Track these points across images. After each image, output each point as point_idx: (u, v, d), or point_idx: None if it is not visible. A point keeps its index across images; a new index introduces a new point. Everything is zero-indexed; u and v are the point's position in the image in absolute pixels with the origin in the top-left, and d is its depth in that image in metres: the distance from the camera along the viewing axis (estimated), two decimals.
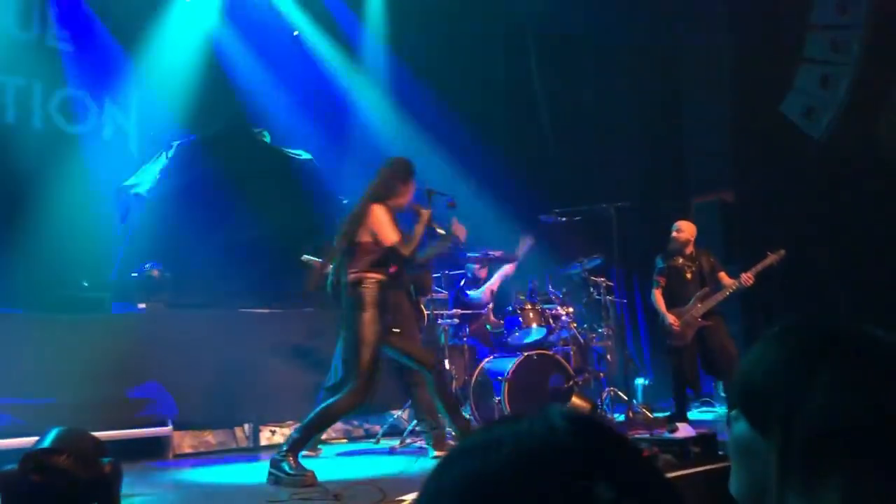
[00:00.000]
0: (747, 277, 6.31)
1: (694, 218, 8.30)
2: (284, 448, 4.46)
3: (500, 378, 6.16)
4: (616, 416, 6.70)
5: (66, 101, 7.30)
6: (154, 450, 5.56)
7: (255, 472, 5.14)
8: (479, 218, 7.85)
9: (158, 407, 5.69)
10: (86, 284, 6.64)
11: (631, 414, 6.64)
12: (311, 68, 8.48)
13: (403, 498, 3.41)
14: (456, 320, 6.82)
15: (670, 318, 6.43)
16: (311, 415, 4.62)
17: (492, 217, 8.09)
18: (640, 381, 7.79)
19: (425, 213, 5.07)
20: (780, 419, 0.89)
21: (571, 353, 6.59)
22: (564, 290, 7.04)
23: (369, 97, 8.72)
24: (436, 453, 5.22)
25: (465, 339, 6.81)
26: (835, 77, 7.73)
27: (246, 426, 6.06)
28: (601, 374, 6.88)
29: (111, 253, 6.91)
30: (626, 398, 6.81)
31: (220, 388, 6.00)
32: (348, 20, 8.68)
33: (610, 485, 0.60)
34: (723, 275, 6.54)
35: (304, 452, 5.38)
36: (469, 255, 7.08)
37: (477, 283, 7.43)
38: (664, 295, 6.59)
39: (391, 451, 5.67)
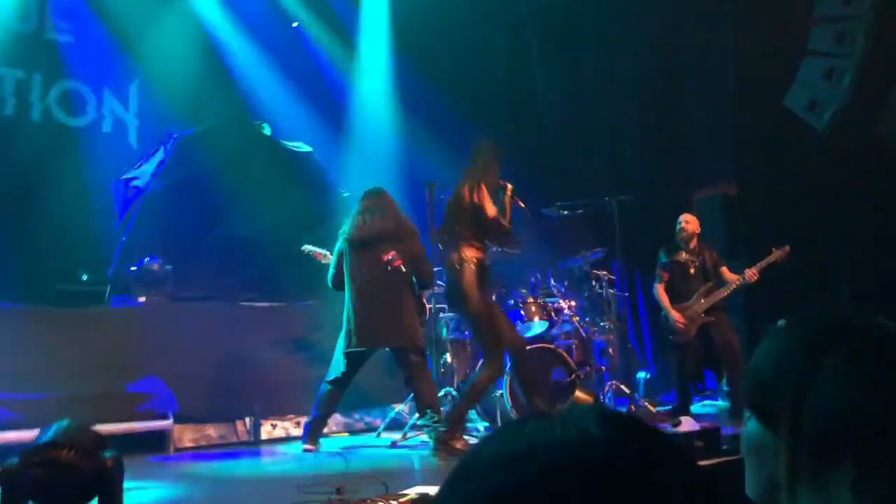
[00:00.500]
0: (752, 273, 6.31)
1: (696, 211, 8.28)
2: (445, 427, 4.93)
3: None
4: (618, 409, 6.68)
5: (66, 93, 7.27)
6: (154, 443, 5.55)
7: (256, 466, 5.14)
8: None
9: (159, 400, 5.67)
10: (85, 278, 6.62)
11: (633, 408, 6.63)
12: (310, 60, 8.45)
13: (406, 491, 3.39)
14: None
15: (675, 315, 6.43)
16: (462, 392, 5.17)
17: None
18: (642, 375, 7.77)
19: (510, 186, 5.37)
20: (789, 413, 0.88)
21: (573, 346, 6.57)
22: (566, 283, 7.02)
23: (369, 89, 8.69)
24: (437, 447, 5.20)
25: (466, 332, 6.79)
26: (839, 70, 7.69)
27: (247, 419, 6.04)
28: (603, 368, 6.87)
29: (110, 246, 6.89)
30: (628, 392, 6.79)
31: (220, 382, 5.98)
32: (347, 11, 8.64)
33: (655, 497, 0.57)
34: (724, 269, 6.54)
35: (304, 446, 5.39)
36: None
37: None
38: (667, 290, 6.58)
39: (392, 445, 5.66)
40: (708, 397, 7.61)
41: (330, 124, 8.37)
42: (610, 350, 7.07)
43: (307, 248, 6.10)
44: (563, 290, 6.91)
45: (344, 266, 5.49)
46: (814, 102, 7.81)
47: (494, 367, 5.09)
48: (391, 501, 3.28)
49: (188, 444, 5.73)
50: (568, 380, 6.06)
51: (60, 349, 5.50)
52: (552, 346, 6.33)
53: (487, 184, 5.22)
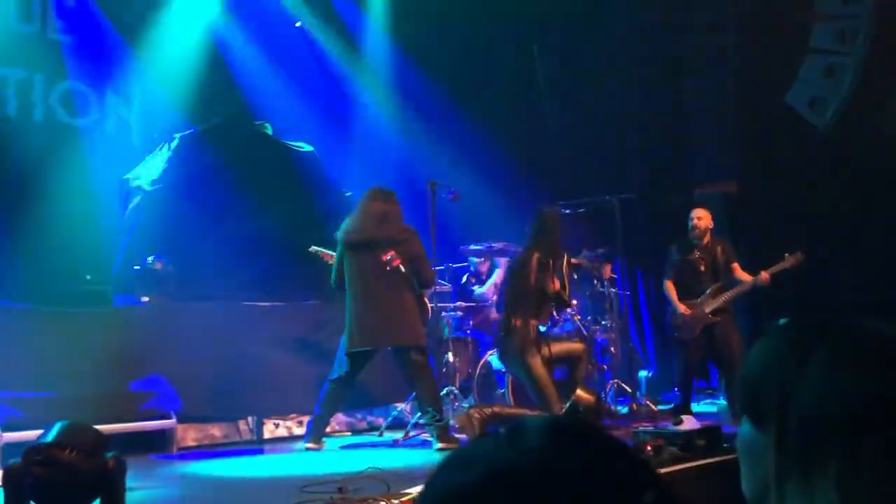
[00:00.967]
0: (764, 277, 6.22)
1: None
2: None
3: (503, 371, 6.15)
4: (620, 408, 6.69)
5: (68, 93, 7.28)
6: (157, 443, 5.56)
7: (260, 465, 5.15)
8: (482, 210, 7.84)
9: (162, 400, 5.68)
10: (88, 277, 6.64)
11: (635, 406, 6.64)
12: (313, 59, 8.45)
13: (408, 491, 3.40)
14: (460, 313, 6.81)
15: (682, 309, 6.39)
16: None
17: (495, 209, 8.07)
18: (643, 374, 7.77)
19: (566, 256, 6.00)
20: (774, 413, 0.90)
21: None
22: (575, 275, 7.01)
23: (371, 88, 8.69)
24: (440, 445, 5.22)
25: (468, 331, 6.81)
26: (840, 68, 7.69)
27: (250, 419, 6.06)
28: (605, 367, 6.87)
29: (114, 246, 6.90)
30: (629, 390, 6.80)
31: (223, 381, 5.99)
32: (350, 11, 8.64)
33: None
34: (736, 266, 6.42)
35: (307, 445, 5.41)
36: (471, 247, 7.07)
37: (479, 276, 7.42)
38: (676, 286, 6.54)
39: (395, 444, 5.67)
40: (710, 396, 7.62)
41: (332, 123, 8.38)
42: (611, 349, 7.07)
43: (314, 248, 6.11)
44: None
45: (344, 267, 5.50)
46: (815, 100, 7.80)
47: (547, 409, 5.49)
48: (393, 501, 3.30)
49: (191, 444, 5.74)
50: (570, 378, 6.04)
51: (63, 349, 5.51)
52: None
53: (553, 257, 5.82)
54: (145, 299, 6.33)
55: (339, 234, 5.59)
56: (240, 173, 7.14)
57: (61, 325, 5.67)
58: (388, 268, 5.34)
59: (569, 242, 6.31)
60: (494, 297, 7.03)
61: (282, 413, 6.20)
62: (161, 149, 7.23)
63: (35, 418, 4.44)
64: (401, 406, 6.39)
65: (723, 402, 7.33)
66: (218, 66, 7.76)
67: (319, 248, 6.07)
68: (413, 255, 5.45)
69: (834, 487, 0.84)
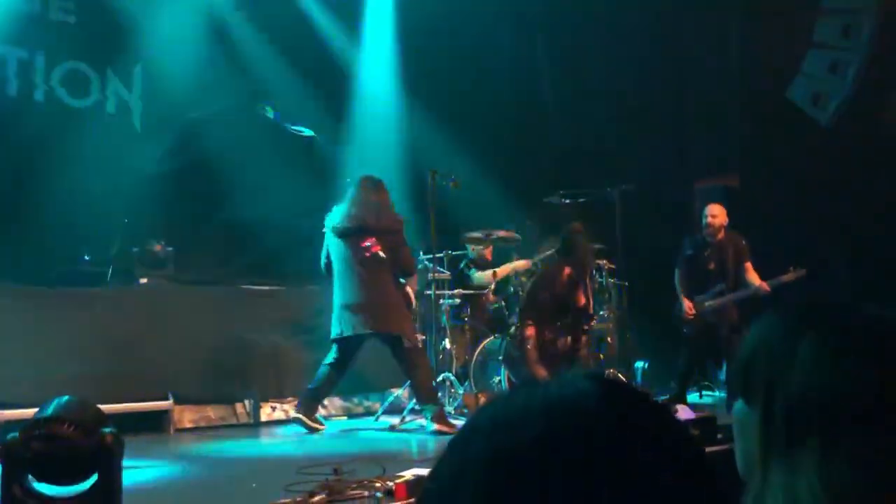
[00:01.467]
0: (765, 288, 6.19)
1: (697, 202, 8.28)
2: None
3: (500, 358, 6.18)
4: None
5: (69, 74, 7.25)
6: (154, 424, 5.59)
7: (255, 447, 5.17)
8: (483, 198, 7.84)
9: (158, 381, 5.70)
10: (87, 259, 6.63)
11: None
12: (315, 45, 8.42)
13: (402, 473, 3.42)
14: (458, 300, 6.81)
15: (686, 304, 6.45)
16: None
17: (495, 198, 8.06)
18: (640, 364, 7.80)
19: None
20: (762, 392, 0.92)
21: None
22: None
23: (373, 75, 8.67)
24: (435, 427, 5.25)
25: (466, 319, 6.82)
26: (843, 63, 7.67)
27: (247, 402, 6.08)
28: (601, 357, 6.89)
29: (113, 227, 6.90)
30: (626, 381, 6.82)
31: (221, 364, 6.01)
32: None
33: (646, 450, 0.59)
34: (749, 266, 6.36)
35: (293, 414, 5.50)
36: (469, 235, 7.06)
37: (481, 262, 7.41)
38: (685, 279, 6.56)
39: (391, 429, 5.69)
40: (705, 388, 7.65)
41: (334, 109, 8.35)
42: (609, 339, 7.09)
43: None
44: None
45: (332, 254, 5.56)
46: (818, 95, 7.79)
47: None
48: (388, 482, 3.31)
49: (188, 426, 5.76)
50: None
51: (61, 329, 5.52)
52: None
53: (583, 274, 6.15)
54: (144, 281, 6.33)
55: (328, 222, 5.62)
56: (241, 157, 7.13)
57: (59, 306, 5.69)
58: (367, 254, 5.37)
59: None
60: (492, 285, 7.05)
61: (279, 396, 6.22)
62: (161, 131, 7.21)
63: (32, 397, 4.45)
64: (397, 391, 6.41)
65: (719, 393, 7.38)
66: (220, 49, 7.73)
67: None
68: (399, 244, 5.50)
69: (814, 469, 0.86)
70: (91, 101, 7.38)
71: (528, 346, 5.89)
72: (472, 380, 6.29)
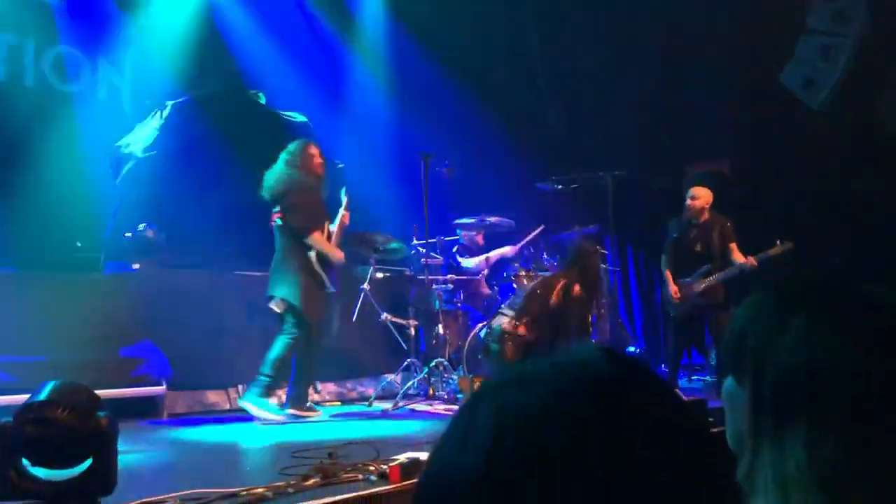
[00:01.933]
0: (751, 262, 6.23)
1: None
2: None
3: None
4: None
5: (60, 59, 7.20)
6: (148, 409, 5.58)
7: (249, 432, 5.18)
8: (476, 184, 7.84)
9: (152, 367, 5.70)
10: (79, 244, 6.61)
11: None
12: (307, 29, 8.39)
13: (396, 457, 3.44)
14: (450, 286, 6.83)
15: (672, 289, 6.47)
16: None
17: (489, 183, 8.06)
18: (631, 350, 7.84)
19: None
20: (751, 369, 0.93)
21: None
22: (559, 257, 7.05)
23: (366, 60, 8.64)
24: (248, 405, 5.32)
25: (458, 304, 6.84)
26: (836, 49, 7.68)
27: (240, 387, 6.08)
28: (593, 342, 6.92)
29: (105, 213, 6.87)
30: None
31: (214, 349, 6.02)
32: None
33: (657, 408, 0.60)
34: (734, 246, 6.40)
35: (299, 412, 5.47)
36: (462, 220, 7.07)
37: (473, 248, 7.42)
38: (671, 263, 6.58)
39: (384, 414, 5.71)
40: (697, 372, 7.69)
41: (326, 94, 8.33)
42: (600, 324, 7.12)
43: None
44: (555, 263, 6.94)
45: None
46: (810, 80, 7.80)
47: None
48: (382, 466, 3.33)
49: (181, 411, 5.77)
50: None
51: (54, 315, 5.50)
52: None
53: (592, 293, 6.26)
54: (136, 266, 6.32)
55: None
56: (232, 142, 7.10)
57: (52, 292, 5.67)
58: (272, 224, 5.52)
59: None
60: (485, 271, 7.06)
61: None
62: (153, 116, 7.17)
63: (25, 382, 4.44)
64: (390, 377, 6.43)
65: (710, 378, 7.42)
66: (211, 33, 7.69)
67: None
68: (286, 207, 5.51)
69: (803, 448, 0.87)
70: (81, 86, 7.34)
71: (508, 343, 5.92)
72: (465, 364, 6.31)
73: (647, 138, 8.86)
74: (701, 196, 6.47)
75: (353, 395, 6.63)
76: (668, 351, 6.78)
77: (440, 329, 6.48)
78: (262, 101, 7.78)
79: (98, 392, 2.88)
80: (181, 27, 7.49)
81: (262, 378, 5.30)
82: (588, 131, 8.92)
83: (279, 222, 5.51)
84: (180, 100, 7.16)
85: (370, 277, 6.61)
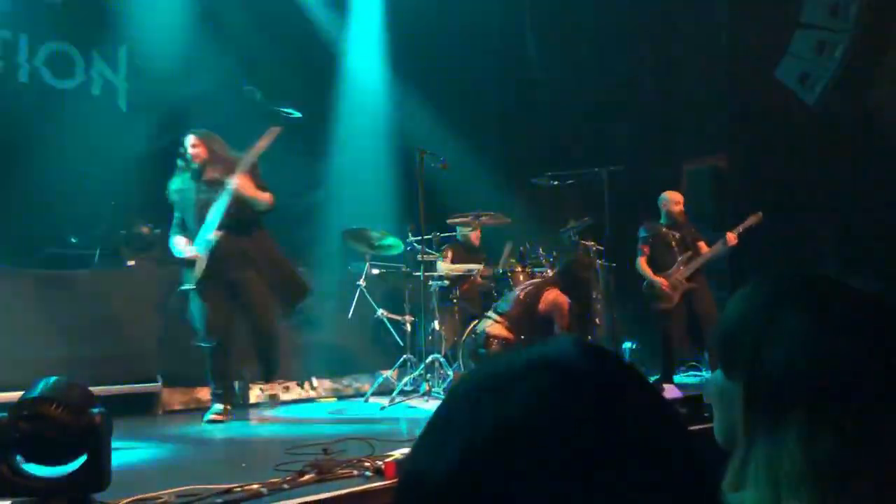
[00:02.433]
0: (732, 237, 6.51)
1: (686, 183, 8.30)
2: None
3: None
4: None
5: (54, 55, 7.18)
6: (143, 406, 5.58)
7: (244, 428, 5.18)
8: (471, 180, 7.83)
9: (147, 363, 5.69)
10: (74, 241, 6.60)
11: None
12: (302, 25, 8.36)
13: (392, 452, 3.44)
14: (446, 282, 6.82)
15: (660, 281, 6.56)
16: None
17: (484, 179, 8.06)
18: (627, 345, 7.84)
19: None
20: (746, 365, 0.93)
21: None
22: (555, 253, 7.05)
23: (361, 55, 8.62)
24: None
25: (454, 300, 6.83)
26: (831, 43, 7.68)
27: (236, 383, 6.07)
28: (589, 338, 6.92)
29: (100, 209, 6.86)
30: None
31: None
32: None
33: (634, 397, 0.60)
34: (702, 244, 6.74)
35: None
36: (456, 217, 7.05)
37: (469, 246, 7.40)
38: (649, 263, 6.74)
39: (380, 410, 5.71)
40: (692, 368, 7.70)
41: (321, 90, 8.31)
42: (596, 320, 7.11)
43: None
44: (551, 259, 6.94)
45: None
46: (805, 75, 7.80)
47: None
48: (377, 462, 3.33)
49: (177, 407, 5.76)
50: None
51: (49, 312, 5.50)
52: None
53: (583, 303, 6.35)
54: (131, 263, 6.31)
55: None
56: (227, 138, 7.07)
57: (46, 289, 5.65)
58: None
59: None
60: (480, 268, 7.05)
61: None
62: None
63: (20, 379, 4.43)
64: (386, 373, 6.43)
65: (706, 373, 7.43)
66: (207, 30, 7.66)
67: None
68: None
69: (798, 442, 0.87)
70: (76, 83, 7.32)
71: (493, 346, 5.97)
72: (461, 361, 6.31)
73: (643, 134, 8.86)
74: (680, 200, 6.87)
75: (349, 391, 6.63)
76: (661, 347, 6.83)
77: (436, 325, 6.48)
78: (259, 97, 7.76)
79: (92, 388, 2.87)
80: (176, 23, 7.46)
81: None
82: (584, 127, 8.91)
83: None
84: (176, 96, 7.13)
85: (366, 274, 6.60)
